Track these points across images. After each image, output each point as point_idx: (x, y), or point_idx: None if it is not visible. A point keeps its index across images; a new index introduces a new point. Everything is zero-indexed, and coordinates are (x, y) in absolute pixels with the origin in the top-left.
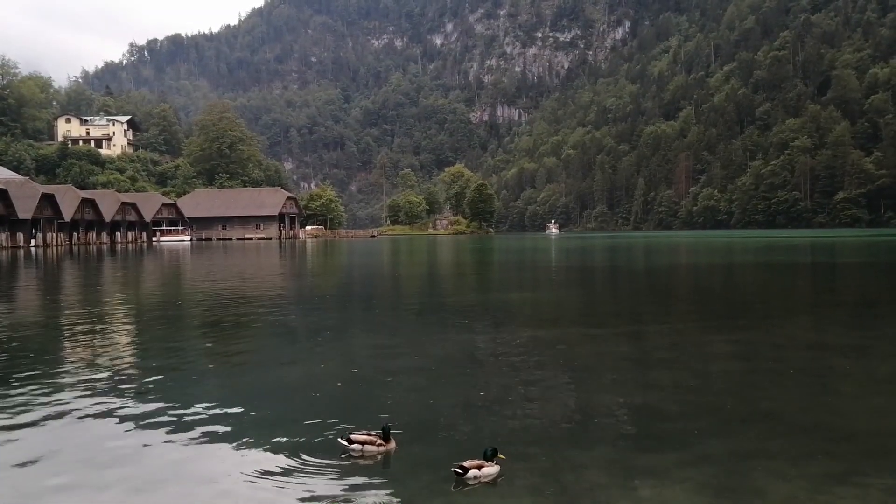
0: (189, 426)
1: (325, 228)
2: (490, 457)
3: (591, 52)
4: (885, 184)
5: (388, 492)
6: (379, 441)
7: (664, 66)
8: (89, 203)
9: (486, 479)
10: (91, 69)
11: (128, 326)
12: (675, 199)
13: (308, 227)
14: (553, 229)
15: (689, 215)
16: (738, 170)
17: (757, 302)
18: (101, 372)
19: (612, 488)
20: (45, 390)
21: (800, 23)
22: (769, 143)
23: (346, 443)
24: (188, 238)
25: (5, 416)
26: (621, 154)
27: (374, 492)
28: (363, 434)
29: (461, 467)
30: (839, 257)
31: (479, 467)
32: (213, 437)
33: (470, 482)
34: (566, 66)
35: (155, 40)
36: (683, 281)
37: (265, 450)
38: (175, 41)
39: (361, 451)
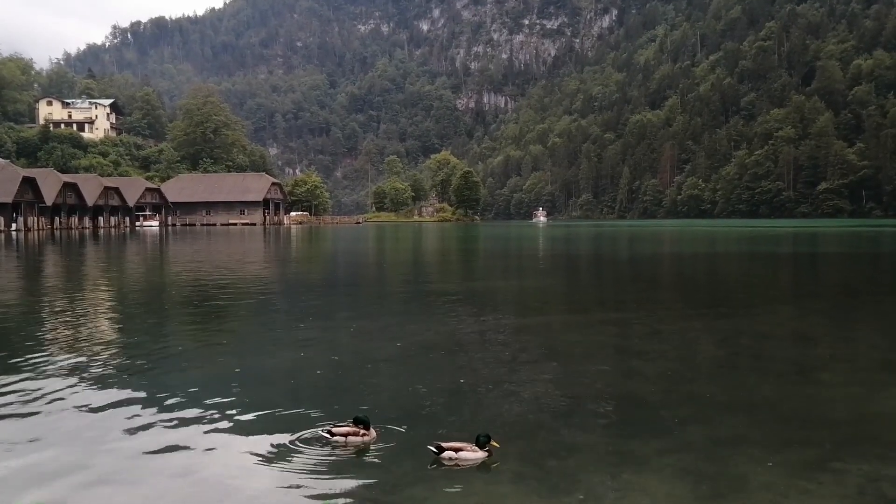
0: (166, 414)
1: (310, 215)
2: (483, 443)
3: (577, 40)
4: (867, 175)
5: (370, 480)
6: (362, 431)
7: (650, 54)
8: (71, 187)
9: (463, 464)
10: (73, 52)
11: (108, 312)
12: (659, 188)
13: (293, 214)
14: (541, 217)
15: (674, 204)
16: (723, 159)
17: (739, 291)
18: (79, 359)
19: (594, 474)
20: (25, 376)
21: (785, 13)
22: (753, 133)
23: (327, 435)
24: (156, 223)
25: None
26: (607, 143)
27: (356, 480)
28: (343, 426)
29: (438, 447)
30: (821, 247)
31: (456, 450)
32: (190, 427)
33: (445, 463)
34: (553, 54)
35: (138, 23)
36: (667, 270)
37: (243, 439)
38: (159, 24)
39: (345, 441)
